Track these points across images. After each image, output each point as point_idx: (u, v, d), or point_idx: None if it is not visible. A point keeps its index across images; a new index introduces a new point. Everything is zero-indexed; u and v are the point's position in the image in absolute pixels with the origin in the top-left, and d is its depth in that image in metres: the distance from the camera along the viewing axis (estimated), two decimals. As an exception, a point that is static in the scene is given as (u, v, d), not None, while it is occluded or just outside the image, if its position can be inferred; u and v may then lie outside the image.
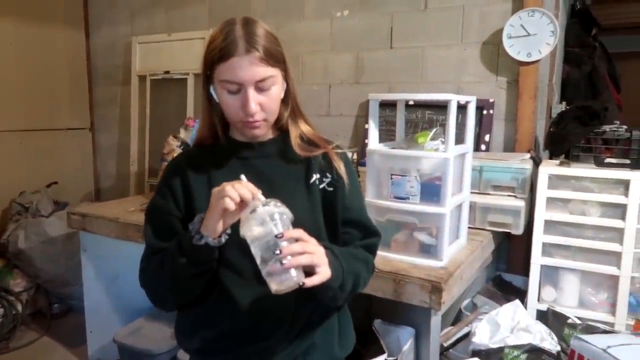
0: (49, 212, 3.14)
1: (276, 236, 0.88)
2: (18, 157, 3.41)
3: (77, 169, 3.81)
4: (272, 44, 1.00)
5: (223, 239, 0.96)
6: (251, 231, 0.89)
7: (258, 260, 0.89)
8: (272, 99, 1.02)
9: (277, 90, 1.03)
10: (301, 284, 0.87)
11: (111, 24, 3.65)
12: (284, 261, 0.86)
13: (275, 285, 0.87)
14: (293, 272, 0.87)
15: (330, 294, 0.99)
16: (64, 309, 3.17)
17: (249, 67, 0.96)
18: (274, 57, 1.00)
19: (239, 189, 0.90)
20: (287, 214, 0.91)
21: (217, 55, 0.98)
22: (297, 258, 0.87)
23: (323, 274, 0.91)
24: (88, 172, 3.90)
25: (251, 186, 0.92)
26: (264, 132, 1.08)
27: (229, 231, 0.96)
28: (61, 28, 3.63)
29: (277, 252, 0.86)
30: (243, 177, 0.95)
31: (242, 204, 0.91)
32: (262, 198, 0.91)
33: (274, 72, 1.00)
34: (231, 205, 0.89)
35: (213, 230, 0.93)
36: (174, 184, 1.08)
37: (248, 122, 1.02)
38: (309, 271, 0.90)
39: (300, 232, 0.91)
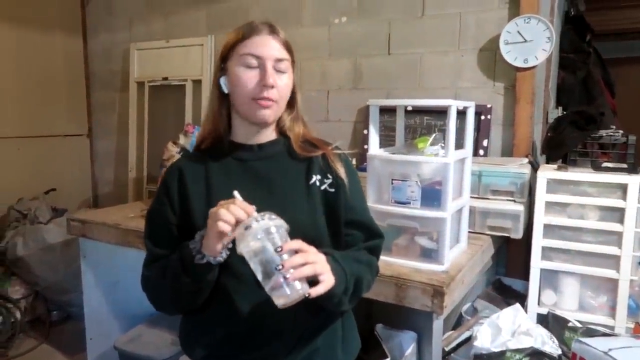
0: (47, 219, 3.13)
1: (275, 250, 0.87)
2: (16, 163, 3.40)
3: (75, 176, 3.81)
4: (289, 42, 1.09)
5: (224, 255, 0.96)
6: (249, 247, 0.88)
7: (259, 277, 0.88)
8: (284, 84, 1.06)
9: (289, 78, 1.08)
10: (307, 295, 0.87)
11: (109, 31, 3.66)
12: (287, 275, 0.85)
13: (281, 300, 0.87)
14: (297, 284, 0.87)
15: (335, 300, 0.99)
16: (63, 316, 3.16)
17: (271, 44, 1.03)
18: (289, 50, 1.08)
19: (234, 210, 0.90)
20: (283, 225, 0.91)
21: (239, 37, 1.04)
22: (300, 270, 0.87)
23: (327, 282, 0.91)
24: (86, 178, 3.90)
25: (245, 205, 0.92)
26: (272, 118, 1.08)
27: (230, 246, 0.96)
28: (59, 34, 3.64)
29: (279, 267, 0.85)
30: (236, 193, 0.94)
31: (238, 223, 0.91)
32: (256, 215, 0.90)
33: (289, 60, 1.07)
34: (226, 228, 0.89)
35: (213, 250, 0.94)
36: (171, 189, 1.09)
37: (262, 98, 1.02)
38: (312, 280, 0.90)
39: (299, 243, 0.91)
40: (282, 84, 1.05)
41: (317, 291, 0.89)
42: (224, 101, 1.09)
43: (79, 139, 3.84)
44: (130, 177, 3.50)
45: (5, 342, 2.79)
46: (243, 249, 0.89)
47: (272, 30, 1.05)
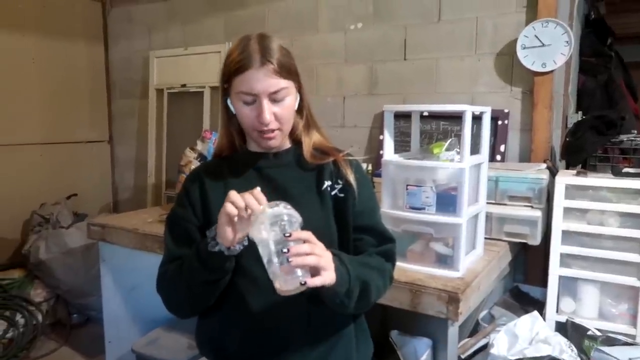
0: (68, 224, 3.20)
1: (284, 235, 0.88)
2: (39, 169, 3.49)
3: (96, 181, 3.89)
4: (286, 58, 1.05)
5: (238, 248, 0.98)
6: (259, 231, 0.90)
7: (264, 260, 0.90)
8: (285, 110, 1.06)
9: (290, 101, 1.07)
10: (303, 283, 0.87)
11: (129, 39, 3.74)
12: (291, 259, 0.86)
13: (280, 285, 0.88)
14: (299, 271, 0.88)
15: (337, 301, 0.99)
16: (83, 320, 3.21)
17: (264, 79, 1.01)
18: (288, 70, 1.04)
19: (246, 196, 0.92)
20: (297, 216, 0.92)
21: (233, 68, 1.03)
22: (304, 258, 0.88)
23: (327, 277, 0.91)
24: (106, 184, 3.97)
25: (259, 195, 0.94)
26: (279, 143, 1.11)
27: (246, 242, 0.97)
28: (81, 43, 3.73)
29: (285, 250, 0.87)
30: (258, 188, 0.96)
31: (252, 214, 0.92)
32: (271, 202, 0.93)
33: (287, 84, 1.05)
34: (233, 210, 0.91)
35: (225, 237, 0.95)
36: (192, 194, 1.12)
37: (263, 131, 1.05)
38: (314, 274, 0.90)
39: (308, 234, 0.92)
40: (281, 112, 1.05)
41: (313, 282, 0.88)
42: (233, 118, 1.11)
43: (100, 145, 3.92)
44: (149, 183, 3.55)
45: (27, 344, 2.85)
46: (254, 232, 0.91)
47: (265, 58, 1.01)
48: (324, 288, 0.93)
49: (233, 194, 0.93)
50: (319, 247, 0.92)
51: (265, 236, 0.89)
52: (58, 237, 3.07)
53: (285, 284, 0.87)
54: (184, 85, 3.36)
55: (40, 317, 2.97)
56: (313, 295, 0.97)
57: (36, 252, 3.03)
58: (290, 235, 0.89)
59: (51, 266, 3.01)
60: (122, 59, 3.82)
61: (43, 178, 3.51)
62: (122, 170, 3.95)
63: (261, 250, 0.91)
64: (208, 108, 3.25)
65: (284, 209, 0.91)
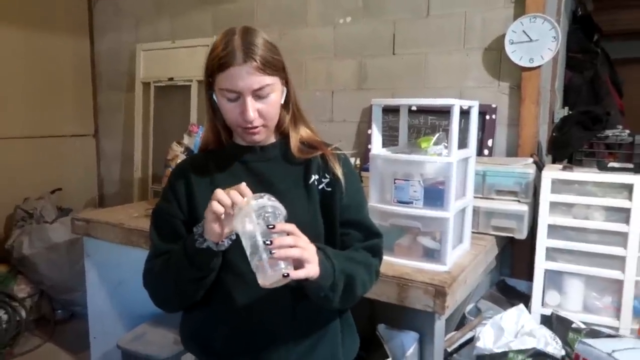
0: (52, 218, 3.16)
1: (268, 227, 0.87)
2: (23, 163, 3.43)
3: (81, 176, 3.84)
4: (270, 53, 1.03)
5: (226, 244, 0.97)
6: (243, 223, 0.89)
7: (248, 252, 0.89)
8: (270, 106, 1.04)
9: (275, 97, 1.05)
10: (286, 275, 0.86)
11: (116, 31, 3.68)
12: (274, 251, 0.85)
13: (263, 278, 0.87)
14: (282, 264, 0.87)
15: (321, 294, 0.98)
16: (67, 315, 3.18)
17: (247, 77, 0.99)
18: (272, 66, 1.02)
19: (232, 194, 0.91)
20: (281, 209, 0.92)
21: (216, 64, 1.01)
22: (287, 250, 0.87)
23: (310, 270, 0.90)
24: (92, 178, 3.92)
25: (246, 191, 0.92)
26: (264, 138, 1.10)
27: (233, 237, 0.97)
28: (66, 35, 3.66)
29: (268, 242, 0.86)
30: (244, 184, 0.95)
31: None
32: (256, 194, 0.92)
33: (272, 81, 1.03)
34: (219, 208, 0.90)
35: (212, 233, 0.94)
36: (178, 188, 1.11)
37: (247, 128, 1.04)
38: (298, 267, 0.90)
39: (292, 227, 0.91)
40: (266, 108, 1.04)
41: (297, 274, 0.88)
42: (218, 112, 1.09)
43: (86, 139, 3.86)
44: (135, 177, 3.51)
45: (10, 340, 2.81)
46: (237, 224, 0.89)
47: (248, 55, 0.99)
48: (308, 281, 0.92)
49: (219, 192, 0.92)
50: (303, 240, 0.91)
51: (248, 228, 0.88)
52: (42, 232, 3.02)
53: (267, 276, 0.86)
54: (171, 79, 3.32)
55: (23, 313, 2.93)
56: (298, 290, 0.96)
57: (19, 247, 2.98)
58: (273, 227, 0.88)
59: (35, 261, 2.97)
60: (109, 51, 3.77)
61: (27, 172, 3.45)
62: (108, 164, 3.91)
63: (244, 242, 0.90)
64: (195, 102, 3.21)
65: (268, 201, 0.90)
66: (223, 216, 0.92)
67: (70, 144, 3.74)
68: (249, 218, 0.88)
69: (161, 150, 3.07)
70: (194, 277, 1.01)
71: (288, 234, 0.89)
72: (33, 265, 2.98)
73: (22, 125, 3.42)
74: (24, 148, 3.44)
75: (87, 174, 3.88)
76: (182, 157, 2.45)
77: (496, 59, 2.33)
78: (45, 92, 3.55)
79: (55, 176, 3.60)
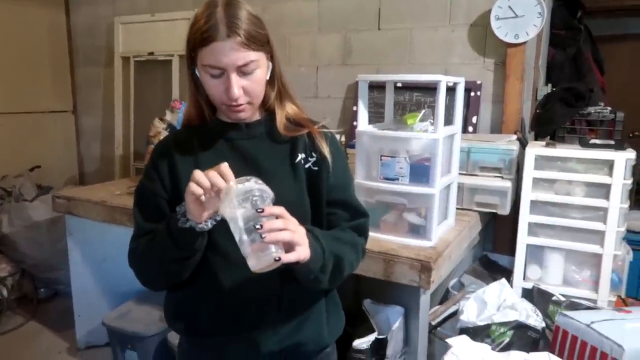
0: (32, 197, 3.09)
1: (257, 210, 0.85)
2: (-1, 140, 3.35)
3: (60, 153, 3.75)
4: (255, 27, 0.98)
5: (210, 224, 0.95)
6: (230, 208, 0.86)
7: (237, 238, 0.87)
8: (255, 83, 1.01)
9: (260, 73, 1.01)
10: (277, 259, 0.85)
11: (92, 4, 3.56)
12: (264, 235, 0.84)
13: (254, 263, 0.85)
14: (273, 247, 0.85)
15: (311, 277, 0.98)
16: (50, 294, 3.15)
17: (231, 52, 0.95)
18: (257, 41, 0.98)
19: (211, 176, 0.88)
20: (268, 192, 0.90)
21: (199, 39, 0.96)
22: (278, 234, 0.85)
23: (301, 253, 0.89)
24: (71, 155, 3.84)
25: (226, 172, 0.89)
26: (249, 115, 1.07)
27: (218, 217, 0.94)
28: (40, 7, 3.53)
29: (258, 226, 0.84)
30: (225, 164, 0.92)
31: (220, 191, 0.89)
32: (241, 178, 0.89)
33: (257, 56, 0.99)
34: (198, 190, 0.88)
35: (194, 214, 0.92)
36: (160, 166, 1.08)
37: (232, 105, 1.01)
38: (288, 250, 0.88)
39: (281, 210, 0.89)
40: (250, 85, 1.00)
41: (288, 258, 0.87)
42: (201, 87, 1.05)
43: (64, 116, 3.77)
44: (116, 154, 3.45)
45: (-8, 320, 2.78)
46: (225, 209, 0.87)
47: (231, 29, 0.94)
48: (298, 264, 0.91)
49: (197, 174, 0.89)
50: (293, 223, 0.90)
51: (236, 213, 0.86)
52: (22, 210, 2.97)
53: (259, 260, 0.85)
54: (151, 54, 3.24)
55: (5, 292, 2.89)
56: (285, 271, 0.95)
57: (-1, 226, 2.93)
58: (262, 211, 0.86)
59: (15, 240, 2.92)
60: (85, 24, 3.64)
61: (4, 149, 3.36)
62: (88, 142, 3.82)
63: (233, 228, 0.87)
64: (177, 77, 3.14)
65: (255, 184, 0.88)
66: (203, 198, 0.90)
67: (48, 120, 3.65)
68: (236, 203, 0.86)
69: (143, 127, 3.01)
70: (178, 256, 0.99)
71: (277, 217, 0.88)
72: (13, 243, 2.93)
73: (-2, 101, 3.33)
74: (0, 124, 3.34)
75: (66, 151, 3.79)
76: (164, 134, 2.40)
77: (481, 35, 2.32)
78: (20, 66, 3.43)
79: (34, 154, 3.51)
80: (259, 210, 0.86)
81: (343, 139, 2.47)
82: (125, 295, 2.40)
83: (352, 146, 1.99)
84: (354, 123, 2.35)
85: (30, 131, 3.53)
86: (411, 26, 2.48)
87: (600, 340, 1.38)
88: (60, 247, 2.75)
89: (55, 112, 3.69)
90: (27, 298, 3.06)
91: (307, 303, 1.12)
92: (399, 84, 2.42)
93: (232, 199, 0.86)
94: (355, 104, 2.52)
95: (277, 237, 0.85)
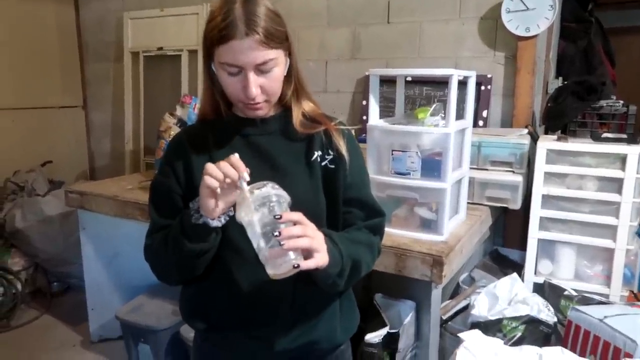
0: (44, 191, 3.13)
1: (275, 217, 0.85)
2: (11, 135, 3.38)
3: (71, 148, 3.79)
4: (274, 24, 0.97)
5: (223, 220, 0.95)
6: (247, 214, 0.86)
7: (255, 244, 0.86)
8: (273, 81, 1.00)
9: (278, 71, 1.00)
10: (296, 265, 0.84)
11: (101, -1, 3.58)
12: (283, 242, 0.83)
13: (273, 269, 0.85)
14: (292, 254, 0.85)
15: (329, 282, 0.98)
16: (63, 288, 3.19)
17: (249, 51, 0.94)
18: (276, 38, 0.97)
19: (223, 167, 0.88)
20: (285, 197, 0.89)
21: (216, 36, 0.95)
22: (296, 241, 0.85)
23: (319, 259, 0.89)
24: (82, 150, 3.87)
25: (237, 163, 0.89)
26: (266, 112, 1.06)
27: (231, 213, 0.94)
28: (50, 2, 3.55)
29: (276, 234, 0.83)
30: (236, 155, 0.92)
31: (233, 183, 0.89)
32: (247, 177, 0.88)
33: (275, 54, 0.97)
34: (213, 182, 0.87)
35: (207, 209, 0.91)
36: (175, 162, 1.08)
37: (249, 104, 1.00)
38: (307, 257, 0.88)
39: (299, 215, 0.89)
40: (268, 83, 0.99)
41: (307, 264, 0.86)
42: (217, 82, 1.04)
43: (74, 111, 3.80)
44: (127, 149, 3.47)
45: (7, 313, 2.82)
46: (242, 215, 0.87)
47: (250, 27, 0.92)
48: (317, 270, 0.91)
49: (210, 167, 0.88)
50: (311, 229, 0.89)
51: (254, 219, 0.85)
52: (34, 205, 3.00)
53: (277, 267, 0.84)
54: (160, 49, 3.25)
55: (19, 286, 2.93)
56: (300, 273, 0.93)
57: (12, 221, 2.96)
58: (280, 217, 0.85)
59: (28, 234, 2.95)
60: (94, 19, 3.66)
61: (16, 145, 3.40)
62: (98, 137, 3.85)
63: (250, 234, 0.87)
64: (186, 72, 3.16)
65: (271, 190, 0.87)
66: (219, 190, 0.89)
67: (59, 115, 3.68)
68: (253, 209, 0.85)
69: (153, 122, 3.03)
70: (192, 252, 0.99)
71: (295, 223, 0.87)
72: (26, 238, 2.96)
73: (8, 96, 3.35)
74: (11, 120, 3.38)
75: (77, 146, 3.82)
76: (175, 129, 2.41)
77: (492, 28, 2.30)
78: (31, 62, 3.47)
79: (45, 149, 3.55)
80: (277, 217, 0.85)
81: (353, 133, 2.47)
82: (137, 288, 2.43)
83: (361, 140, 1.99)
84: (363, 117, 2.34)
85: (41, 126, 3.57)
86: (421, 19, 2.47)
87: (614, 335, 1.38)
88: (73, 241, 2.78)
89: (65, 107, 3.73)
90: (41, 292, 3.10)
91: (321, 302, 1.11)
92: (409, 78, 2.42)
93: (250, 205, 0.86)
94: (365, 98, 2.51)
95: (296, 244, 0.85)
